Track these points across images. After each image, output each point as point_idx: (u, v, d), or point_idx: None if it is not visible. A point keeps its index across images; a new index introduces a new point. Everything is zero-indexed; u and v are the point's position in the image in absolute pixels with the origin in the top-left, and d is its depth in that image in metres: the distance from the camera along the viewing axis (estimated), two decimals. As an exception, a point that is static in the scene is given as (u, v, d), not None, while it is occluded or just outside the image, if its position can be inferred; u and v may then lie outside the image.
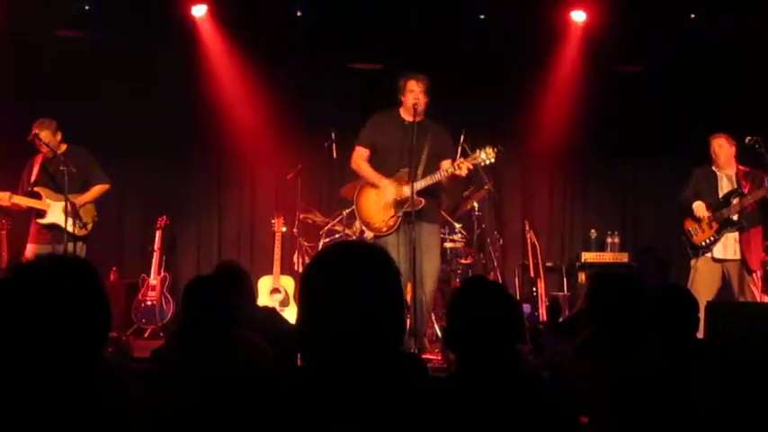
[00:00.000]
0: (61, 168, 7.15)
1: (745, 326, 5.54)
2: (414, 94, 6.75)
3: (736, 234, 7.34)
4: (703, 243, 7.38)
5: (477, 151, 6.71)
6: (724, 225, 7.35)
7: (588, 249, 9.56)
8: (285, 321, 5.32)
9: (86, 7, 8.87)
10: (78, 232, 7.35)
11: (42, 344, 1.92)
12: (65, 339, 1.94)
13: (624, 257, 9.43)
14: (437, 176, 6.66)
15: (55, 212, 7.38)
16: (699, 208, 7.42)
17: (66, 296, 1.97)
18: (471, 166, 6.63)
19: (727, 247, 7.36)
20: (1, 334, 1.93)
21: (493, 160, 6.68)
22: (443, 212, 8.04)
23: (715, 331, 5.39)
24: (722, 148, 7.47)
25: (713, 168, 7.55)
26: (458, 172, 6.60)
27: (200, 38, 9.34)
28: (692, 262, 7.50)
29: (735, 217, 7.33)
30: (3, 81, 8.88)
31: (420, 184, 6.62)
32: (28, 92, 8.97)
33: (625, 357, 3.53)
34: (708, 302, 6.00)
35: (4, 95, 8.84)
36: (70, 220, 7.25)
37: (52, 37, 8.99)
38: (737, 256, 7.32)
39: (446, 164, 6.78)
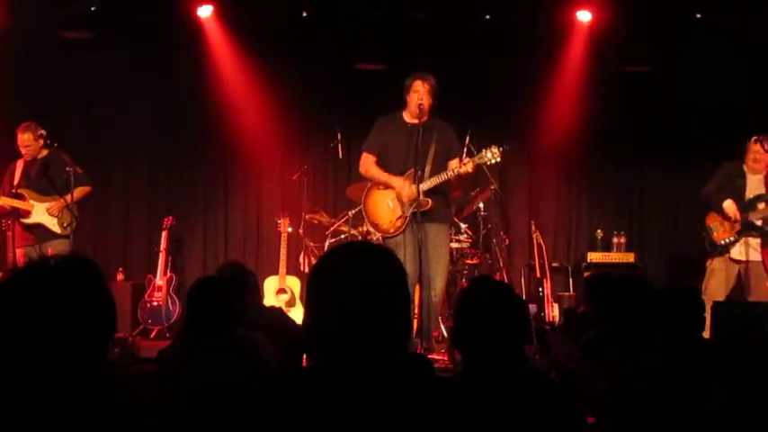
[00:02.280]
0: (68, 169, 7.41)
1: (752, 325, 5.53)
2: (418, 95, 6.75)
3: (758, 239, 7.23)
4: (723, 242, 7.25)
5: (483, 151, 6.76)
6: (746, 228, 7.23)
7: (594, 249, 9.54)
8: (292, 322, 5.32)
9: (92, 8, 8.88)
10: (63, 231, 7.62)
11: (46, 344, 1.92)
12: (69, 340, 1.94)
13: (630, 258, 9.40)
14: (444, 176, 6.69)
15: (39, 213, 7.61)
16: (730, 208, 7.24)
17: (70, 295, 1.97)
18: (472, 166, 6.68)
19: (748, 249, 7.23)
20: (5, 334, 1.93)
21: (498, 159, 6.74)
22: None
23: (721, 331, 5.38)
24: (763, 155, 7.25)
25: (744, 167, 7.40)
26: (463, 170, 6.65)
27: (205, 38, 9.35)
28: (708, 262, 7.39)
29: (759, 222, 7.22)
30: (6, 81, 8.91)
31: (427, 184, 6.63)
32: (31, 92, 9.00)
33: (630, 357, 3.53)
34: (714, 302, 5.98)
35: (8, 96, 8.86)
36: (54, 220, 7.44)
37: (56, 37, 8.99)
38: (751, 258, 7.22)
39: (453, 163, 6.81)
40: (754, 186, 7.37)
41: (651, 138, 9.80)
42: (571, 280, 9.44)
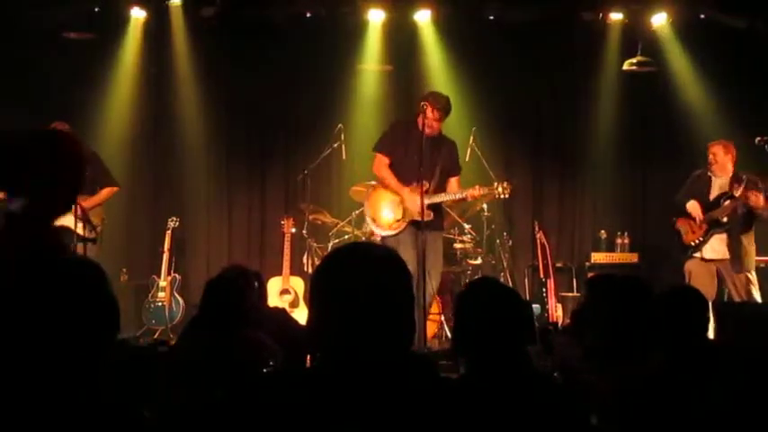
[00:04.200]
0: None
1: (757, 326, 5.52)
2: (429, 121, 6.84)
3: (724, 235, 7.35)
4: (692, 243, 7.41)
5: (495, 184, 6.96)
6: (712, 227, 7.38)
7: (598, 250, 9.54)
8: (295, 322, 5.32)
9: (96, 9, 8.90)
10: (88, 235, 7.40)
11: (46, 344, 1.92)
12: (70, 340, 1.94)
13: (634, 258, 9.40)
14: (448, 197, 6.97)
15: (66, 214, 7.39)
16: (693, 207, 7.48)
17: (71, 296, 1.97)
18: (479, 194, 6.93)
19: (716, 248, 7.38)
20: (6, 333, 1.92)
21: (507, 196, 6.98)
22: (452, 213, 8.12)
23: (725, 331, 5.38)
24: (716, 156, 7.48)
25: (709, 173, 7.57)
26: (469, 194, 6.88)
27: (209, 38, 9.36)
28: (685, 266, 7.50)
29: (724, 219, 7.33)
30: (9, 82, 8.93)
31: (433, 200, 6.84)
32: (34, 93, 9.02)
33: (634, 358, 3.52)
34: (719, 303, 6.00)
35: (11, 96, 8.88)
36: (80, 223, 7.30)
37: (59, 38, 9.00)
38: (726, 256, 7.33)
39: (454, 186, 7.04)
40: (717, 190, 7.53)
41: (654, 137, 9.81)
42: (575, 280, 9.43)
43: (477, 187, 6.91)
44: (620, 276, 4.29)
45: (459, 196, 6.95)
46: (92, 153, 7.68)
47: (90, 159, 7.53)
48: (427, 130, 6.82)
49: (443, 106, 6.89)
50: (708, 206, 7.45)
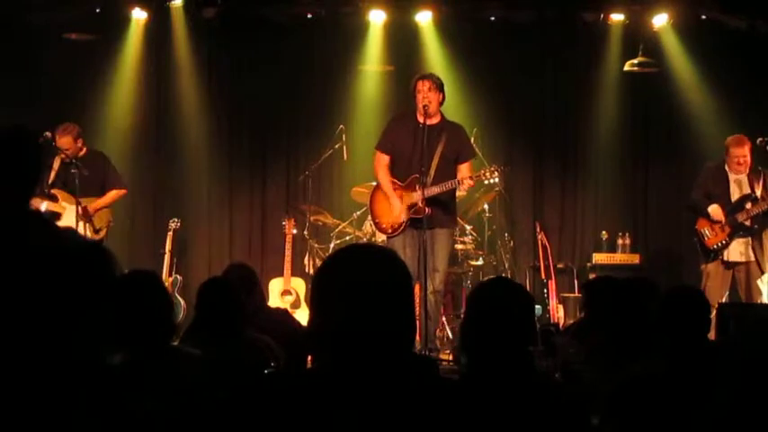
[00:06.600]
0: (72, 171, 7.18)
1: (757, 327, 5.52)
2: (422, 95, 6.72)
3: (749, 238, 7.29)
4: (715, 246, 7.33)
5: (483, 169, 6.82)
6: (737, 230, 7.30)
7: (599, 250, 9.52)
8: (297, 323, 5.33)
9: (97, 10, 8.91)
10: (92, 236, 7.37)
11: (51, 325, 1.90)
12: (73, 331, 1.92)
13: (635, 259, 9.38)
14: (447, 185, 6.67)
15: (70, 215, 7.38)
16: (715, 212, 7.34)
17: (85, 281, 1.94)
18: (473, 183, 6.76)
19: (740, 250, 7.31)
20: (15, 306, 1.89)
21: (496, 180, 6.84)
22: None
23: (726, 332, 5.38)
24: (746, 158, 7.32)
25: (725, 168, 7.46)
26: (461, 185, 6.70)
27: (210, 39, 9.37)
28: (703, 266, 7.45)
29: (747, 222, 7.27)
30: (11, 82, 8.93)
31: (428, 193, 6.63)
32: (35, 94, 9.02)
33: (636, 359, 3.52)
34: (719, 303, 6.00)
35: (13, 97, 8.88)
36: (81, 224, 7.28)
37: (60, 39, 9.00)
38: (751, 259, 7.28)
39: (465, 172, 6.77)
40: (737, 187, 7.42)
41: (656, 138, 9.81)
42: (576, 281, 9.41)
43: (466, 177, 6.71)
44: (622, 279, 4.30)
45: (453, 185, 6.66)
46: (99, 154, 7.65)
47: (97, 160, 7.51)
48: (426, 104, 6.62)
49: (435, 76, 6.82)
50: (730, 207, 7.36)
